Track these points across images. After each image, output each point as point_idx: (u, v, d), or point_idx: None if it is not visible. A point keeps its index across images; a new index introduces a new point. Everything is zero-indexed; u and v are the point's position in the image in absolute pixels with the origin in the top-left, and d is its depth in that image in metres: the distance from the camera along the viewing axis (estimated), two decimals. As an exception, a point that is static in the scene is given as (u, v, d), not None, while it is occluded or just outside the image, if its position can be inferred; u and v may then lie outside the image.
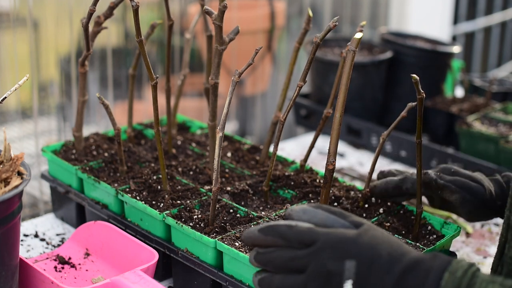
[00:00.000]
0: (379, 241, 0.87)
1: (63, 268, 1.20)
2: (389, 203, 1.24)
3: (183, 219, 1.15)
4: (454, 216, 1.50)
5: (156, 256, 1.11)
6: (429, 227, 1.19)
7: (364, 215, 1.21)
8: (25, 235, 1.35)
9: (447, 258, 0.86)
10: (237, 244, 1.09)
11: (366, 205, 1.24)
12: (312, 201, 1.23)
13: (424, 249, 1.10)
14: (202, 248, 1.11)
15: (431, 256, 0.87)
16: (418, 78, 1.05)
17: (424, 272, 0.84)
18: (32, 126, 1.88)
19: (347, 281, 0.85)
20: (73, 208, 1.35)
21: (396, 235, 1.14)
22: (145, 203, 1.20)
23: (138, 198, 1.21)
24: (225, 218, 1.16)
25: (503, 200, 1.17)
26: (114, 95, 2.06)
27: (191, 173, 1.32)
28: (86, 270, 1.19)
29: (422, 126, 1.11)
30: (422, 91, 1.07)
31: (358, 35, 1.08)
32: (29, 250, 1.30)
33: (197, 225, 1.14)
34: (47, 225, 1.39)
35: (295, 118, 2.01)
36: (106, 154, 1.36)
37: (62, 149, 1.38)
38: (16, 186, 0.98)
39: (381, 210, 1.22)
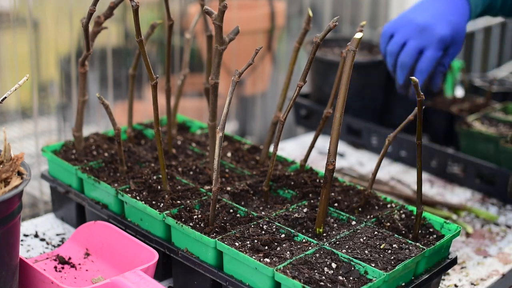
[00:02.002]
0: None
1: (63, 268, 1.20)
2: (389, 205, 1.24)
3: (183, 219, 1.15)
4: (454, 217, 1.50)
5: (156, 256, 1.11)
6: (429, 227, 1.19)
7: (368, 215, 1.21)
8: (25, 235, 1.35)
9: None
10: (237, 244, 1.09)
11: (367, 205, 1.24)
12: (312, 201, 1.23)
13: (424, 249, 1.10)
14: (202, 248, 1.11)
15: None
16: (417, 80, 1.05)
17: None
18: (32, 126, 1.89)
19: None
20: (73, 208, 1.35)
21: (396, 235, 1.14)
22: (145, 203, 1.20)
23: (138, 198, 1.21)
24: (225, 218, 1.16)
25: None
26: (114, 95, 2.06)
27: (191, 173, 1.32)
28: (86, 270, 1.19)
29: (422, 128, 1.11)
30: (422, 93, 1.07)
31: (358, 35, 1.08)
32: (29, 250, 1.30)
33: (197, 225, 1.14)
34: (47, 225, 1.39)
35: (295, 118, 2.01)
36: (106, 154, 1.36)
37: (62, 149, 1.38)
38: (16, 186, 0.98)
39: (379, 212, 1.22)
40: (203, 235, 1.10)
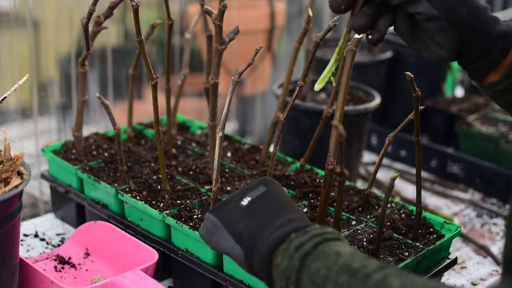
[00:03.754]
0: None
1: (63, 268, 1.20)
2: (389, 205, 1.24)
3: (183, 219, 1.15)
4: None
5: (156, 256, 1.11)
6: (429, 227, 1.19)
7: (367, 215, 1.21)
8: (25, 235, 1.35)
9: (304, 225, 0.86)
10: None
11: (367, 205, 1.24)
12: (312, 201, 1.23)
13: (425, 249, 1.10)
14: (202, 248, 1.11)
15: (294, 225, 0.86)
16: (412, 76, 1.04)
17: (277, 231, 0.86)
18: (32, 126, 1.88)
19: (248, 198, 0.91)
20: (73, 208, 1.35)
21: (395, 235, 1.14)
22: (145, 203, 1.20)
23: (138, 198, 1.21)
24: (225, 218, 1.16)
25: None
26: (114, 95, 2.05)
27: (191, 173, 1.32)
28: (86, 270, 1.19)
29: (419, 125, 1.11)
30: (418, 89, 1.07)
31: (358, 35, 1.07)
32: (29, 250, 1.30)
33: (197, 225, 1.14)
34: (47, 225, 1.39)
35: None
36: (106, 154, 1.36)
37: (62, 149, 1.38)
38: (16, 186, 0.98)
39: (380, 210, 1.21)
40: (203, 235, 1.10)
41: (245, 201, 0.91)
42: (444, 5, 0.90)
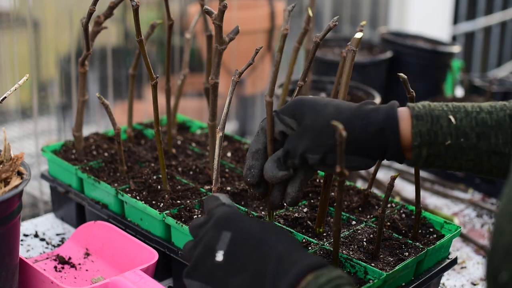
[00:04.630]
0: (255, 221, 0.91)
1: (63, 268, 1.20)
2: (389, 205, 1.24)
3: (183, 219, 1.15)
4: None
5: (156, 256, 1.11)
6: (429, 227, 1.19)
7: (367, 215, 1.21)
8: (25, 235, 1.35)
9: (320, 260, 0.84)
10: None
11: (367, 205, 1.24)
12: (312, 201, 1.23)
13: (425, 249, 1.10)
14: (202, 248, 1.11)
15: (304, 255, 0.85)
16: (406, 77, 1.03)
17: (289, 265, 0.83)
18: (32, 126, 1.88)
19: (219, 251, 0.88)
20: (73, 208, 1.35)
21: (395, 235, 1.14)
22: (145, 203, 1.20)
23: (138, 198, 1.21)
24: (225, 218, 1.16)
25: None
26: (114, 95, 2.05)
27: (191, 173, 1.32)
28: (86, 270, 1.19)
29: None
30: (412, 90, 1.06)
31: (358, 35, 1.07)
32: (29, 250, 1.30)
33: (197, 225, 1.14)
34: (47, 225, 1.39)
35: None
36: (106, 154, 1.36)
37: (62, 149, 1.38)
38: (16, 186, 0.98)
39: (380, 210, 1.22)
40: (203, 235, 1.10)
41: (219, 256, 0.87)
42: (316, 153, 0.96)
